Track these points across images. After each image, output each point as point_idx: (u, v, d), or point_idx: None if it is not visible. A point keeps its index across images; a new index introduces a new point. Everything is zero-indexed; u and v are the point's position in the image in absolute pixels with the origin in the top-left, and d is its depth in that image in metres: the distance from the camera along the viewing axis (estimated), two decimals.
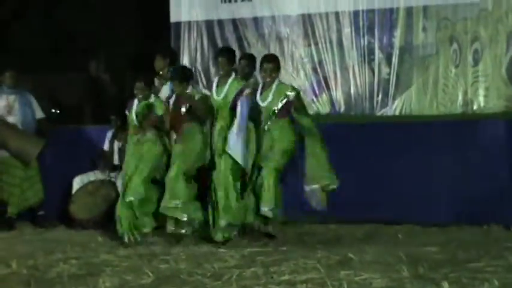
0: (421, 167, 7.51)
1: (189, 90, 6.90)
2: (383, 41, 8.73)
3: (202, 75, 9.27)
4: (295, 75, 9.05)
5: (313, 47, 8.97)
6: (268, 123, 6.68)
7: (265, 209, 6.59)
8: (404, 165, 7.53)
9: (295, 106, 6.76)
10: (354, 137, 7.79)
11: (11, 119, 7.86)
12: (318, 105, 8.95)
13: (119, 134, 8.04)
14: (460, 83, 8.35)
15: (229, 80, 6.80)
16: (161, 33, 9.28)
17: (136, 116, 7.03)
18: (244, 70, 7.55)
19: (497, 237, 6.74)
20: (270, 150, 6.68)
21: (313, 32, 8.94)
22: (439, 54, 8.47)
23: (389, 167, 7.56)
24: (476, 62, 8.31)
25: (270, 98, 6.69)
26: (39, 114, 8.11)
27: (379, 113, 8.66)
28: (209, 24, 9.32)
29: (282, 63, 8.93)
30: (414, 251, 6.02)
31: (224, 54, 6.99)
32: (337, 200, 7.50)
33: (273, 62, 6.83)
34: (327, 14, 8.91)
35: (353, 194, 7.54)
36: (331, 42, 8.87)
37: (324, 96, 8.96)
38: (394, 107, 8.62)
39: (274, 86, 6.72)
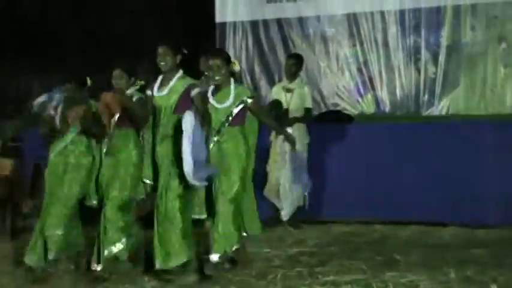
0: (468, 168, 7.40)
1: (130, 90, 5.70)
2: (429, 40, 8.64)
3: (247, 75, 9.28)
4: (340, 75, 9.03)
5: (358, 46, 8.93)
6: (221, 130, 5.60)
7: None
8: (451, 166, 7.43)
9: (253, 111, 5.74)
10: (398, 138, 7.72)
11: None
12: (363, 105, 8.90)
13: None
14: (509, 83, 8.22)
15: (175, 77, 5.59)
16: (206, 33, 9.31)
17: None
18: (291, 69, 7.55)
19: None
20: (223, 172, 5.52)
21: (359, 32, 8.90)
22: (488, 53, 8.35)
23: (436, 167, 7.47)
24: None
25: (230, 101, 5.59)
26: None
27: (425, 113, 8.57)
28: (254, 24, 9.34)
29: (326, 63, 9.02)
30: (461, 253, 5.95)
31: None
32: (382, 201, 7.46)
33: (219, 57, 5.65)
34: (372, 14, 8.86)
35: (398, 195, 7.47)
36: (376, 41, 8.82)
37: (369, 96, 8.91)
38: (441, 107, 8.53)
39: (232, 88, 5.64)
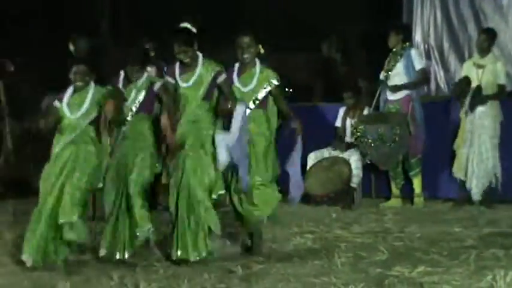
0: None
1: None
2: None
3: (435, 51, 9.03)
4: None
5: None
6: (248, 111, 5.36)
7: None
8: None
9: (274, 95, 5.49)
10: None
11: None
12: None
13: (351, 111, 8.09)
14: None
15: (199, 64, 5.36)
16: (393, 9, 9.16)
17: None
18: (483, 45, 7.32)
19: None
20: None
21: None
22: None
23: None
24: None
25: (254, 84, 5.42)
26: None
27: None
28: None
29: None
30: None
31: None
32: None
33: (249, 36, 5.41)
34: None
35: None
36: None
37: None
38: None
39: (257, 70, 5.45)
